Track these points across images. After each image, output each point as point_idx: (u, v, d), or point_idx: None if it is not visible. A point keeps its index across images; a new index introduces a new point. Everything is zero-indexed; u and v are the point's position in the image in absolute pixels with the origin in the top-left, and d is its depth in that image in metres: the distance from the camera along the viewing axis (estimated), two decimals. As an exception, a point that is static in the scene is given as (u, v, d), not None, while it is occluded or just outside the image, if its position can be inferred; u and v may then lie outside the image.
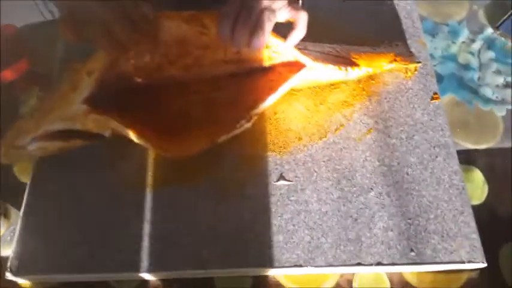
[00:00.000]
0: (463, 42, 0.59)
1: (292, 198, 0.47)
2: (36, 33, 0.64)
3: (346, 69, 0.49)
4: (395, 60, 0.52)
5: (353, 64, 0.50)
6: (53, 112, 0.45)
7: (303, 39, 0.47)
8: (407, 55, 0.53)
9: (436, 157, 0.48)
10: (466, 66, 0.57)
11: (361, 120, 0.51)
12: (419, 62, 0.53)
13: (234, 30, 0.44)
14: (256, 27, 0.44)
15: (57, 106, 0.45)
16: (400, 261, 0.44)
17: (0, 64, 0.62)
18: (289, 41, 0.47)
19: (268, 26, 0.44)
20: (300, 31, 0.46)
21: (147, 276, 0.45)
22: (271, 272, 0.45)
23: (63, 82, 0.46)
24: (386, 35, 0.56)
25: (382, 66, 0.52)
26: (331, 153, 0.50)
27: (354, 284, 0.45)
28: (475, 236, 0.45)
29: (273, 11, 0.45)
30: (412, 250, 0.44)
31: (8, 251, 0.46)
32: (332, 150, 0.50)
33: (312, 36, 0.48)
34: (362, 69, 0.51)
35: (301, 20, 0.46)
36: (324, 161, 0.49)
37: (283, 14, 0.46)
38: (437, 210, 0.46)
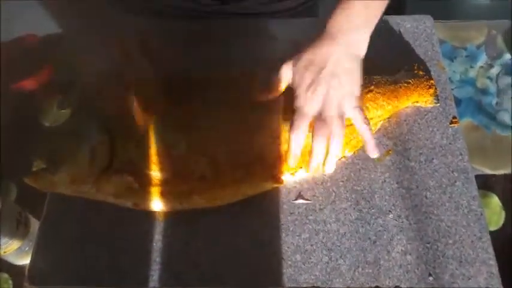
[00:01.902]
0: (481, 67, 0.59)
1: (310, 217, 0.47)
2: (58, 42, 0.64)
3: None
4: (417, 101, 0.53)
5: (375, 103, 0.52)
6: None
7: None
8: (427, 85, 0.53)
9: (455, 182, 0.48)
10: (484, 91, 0.57)
11: (380, 141, 0.52)
12: (437, 103, 0.53)
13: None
14: (328, 155, 0.48)
15: None
16: (418, 285, 0.43)
17: (21, 73, 0.62)
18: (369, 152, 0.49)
19: (339, 148, 0.48)
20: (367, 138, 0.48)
21: (163, 291, 0.46)
22: (288, 292, 0.45)
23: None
24: (404, 59, 0.56)
25: (403, 105, 0.53)
26: (350, 173, 0.50)
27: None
28: (493, 263, 0.45)
29: (341, 118, 0.47)
30: (430, 275, 0.44)
31: (27, 261, 0.46)
32: (351, 170, 0.50)
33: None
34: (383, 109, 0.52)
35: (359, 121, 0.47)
36: (342, 181, 0.49)
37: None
38: (455, 236, 0.46)
